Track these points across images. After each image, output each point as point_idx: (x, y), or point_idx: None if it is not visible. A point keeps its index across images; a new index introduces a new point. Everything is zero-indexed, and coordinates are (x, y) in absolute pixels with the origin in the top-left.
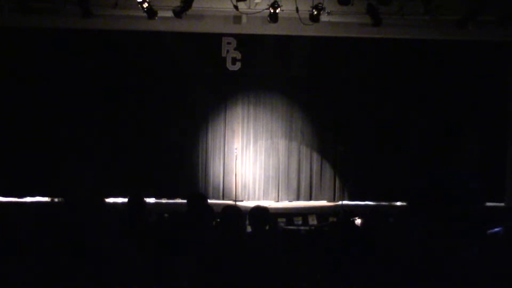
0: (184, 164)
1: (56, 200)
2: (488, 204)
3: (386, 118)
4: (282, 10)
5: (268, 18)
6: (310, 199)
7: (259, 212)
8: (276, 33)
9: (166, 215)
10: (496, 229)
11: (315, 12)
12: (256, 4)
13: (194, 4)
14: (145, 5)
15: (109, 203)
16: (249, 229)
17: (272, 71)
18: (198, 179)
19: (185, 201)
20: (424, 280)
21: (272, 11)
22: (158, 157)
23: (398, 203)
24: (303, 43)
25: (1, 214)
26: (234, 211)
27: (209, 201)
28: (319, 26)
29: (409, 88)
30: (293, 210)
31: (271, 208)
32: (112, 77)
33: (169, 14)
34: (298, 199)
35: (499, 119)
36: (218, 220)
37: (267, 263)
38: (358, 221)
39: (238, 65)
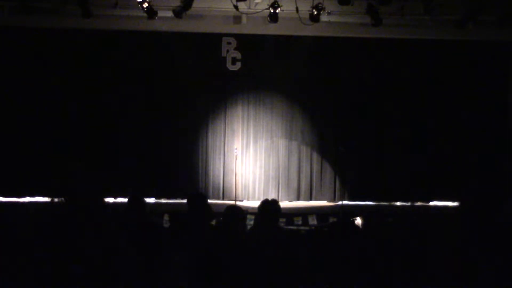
0: (184, 164)
1: (56, 200)
2: None
3: (386, 118)
4: (282, 10)
5: (268, 18)
6: (310, 199)
7: (270, 206)
8: (276, 33)
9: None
10: None
11: (315, 12)
12: (256, 4)
13: (194, 4)
14: (145, 5)
15: (109, 203)
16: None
17: (272, 71)
18: (198, 179)
19: (185, 201)
20: (424, 280)
21: (272, 11)
22: (158, 157)
23: (398, 203)
24: (303, 43)
25: (1, 214)
26: (237, 211)
27: (209, 201)
28: (319, 26)
29: (409, 88)
30: (293, 210)
31: None
32: (112, 77)
33: (169, 14)
34: (298, 199)
35: (498, 119)
36: (221, 218)
37: (267, 263)
38: (358, 221)
39: (238, 65)
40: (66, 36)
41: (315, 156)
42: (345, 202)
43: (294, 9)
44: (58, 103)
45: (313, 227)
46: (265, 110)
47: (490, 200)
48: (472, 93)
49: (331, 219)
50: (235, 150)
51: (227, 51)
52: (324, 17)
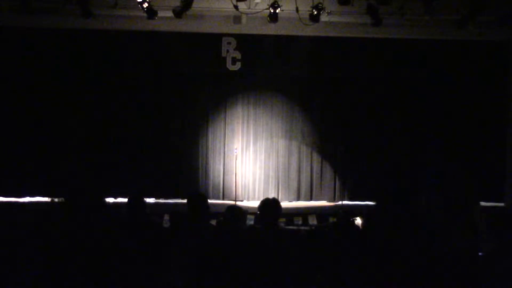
0: (184, 164)
1: (56, 200)
2: (488, 204)
3: (386, 118)
4: (282, 10)
5: (268, 18)
6: (310, 199)
7: (270, 205)
8: (276, 33)
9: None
10: None
11: (315, 12)
12: (256, 4)
13: (194, 4)
14: (145, 5)
15: (109, 203)
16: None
17: (272, 71)
18: (198, 179)
19: (185, 201)
20: (424, 280)
21: (272, 11)
22: (158, 157)
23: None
24: (303, 43)
25: (1, 214)
26: (237, 211)
27: (209, 201)
28: (319, 26)
29: (409, 88)
30: (293, 210)
31: None
32: (112, 77)
33: (169, 14)
34: (298, 199)
35: (498, 119)
36: (221, 218)
37: (267, 263)
38: (358, 221)
39: (238, 65)
40: (66, 36)
41: (315, 156)
42: (345, 202)
43: (294, 9)
44: (57, 103)
45: (313, 227)
46: (265, 110)
47: (403, 196)
48: (472, 93)
49: (331, 219)
50: (235, 150)
51: (227, 51)
52: (324, 17)
